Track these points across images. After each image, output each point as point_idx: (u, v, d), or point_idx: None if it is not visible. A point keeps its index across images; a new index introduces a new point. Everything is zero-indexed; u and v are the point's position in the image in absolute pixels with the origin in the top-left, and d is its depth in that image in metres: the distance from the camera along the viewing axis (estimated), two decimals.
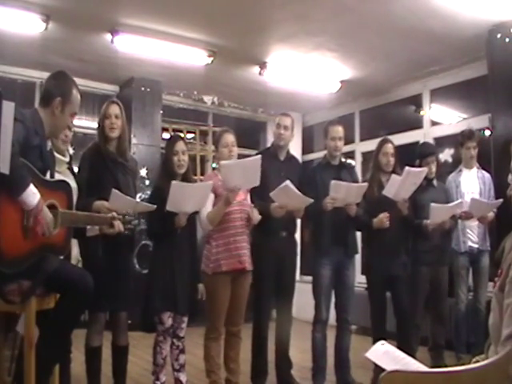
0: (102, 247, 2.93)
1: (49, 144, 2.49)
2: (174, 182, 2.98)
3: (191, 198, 3.05)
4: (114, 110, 3.07)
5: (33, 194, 2.10)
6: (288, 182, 3.23)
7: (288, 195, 3.28)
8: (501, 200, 3.69)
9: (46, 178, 2.35)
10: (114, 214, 2.76)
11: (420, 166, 3.94)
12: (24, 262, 2.15)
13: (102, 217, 2.74)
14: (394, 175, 3.57)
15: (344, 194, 3.41)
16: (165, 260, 3.18)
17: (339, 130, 3.67)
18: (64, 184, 2.48)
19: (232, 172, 3.08)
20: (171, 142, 3.35)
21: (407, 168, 3.48)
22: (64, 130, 2.67)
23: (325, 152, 3.85)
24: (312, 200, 3.35)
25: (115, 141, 3.09)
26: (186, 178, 3.27)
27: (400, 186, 3.48)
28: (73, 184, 2.75)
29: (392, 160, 3.73)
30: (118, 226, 2.79)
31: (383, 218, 3.53)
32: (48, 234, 2.22)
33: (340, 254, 3.62)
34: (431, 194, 4.01)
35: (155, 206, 2.99)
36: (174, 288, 3.12)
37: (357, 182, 3.77)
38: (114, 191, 2.83)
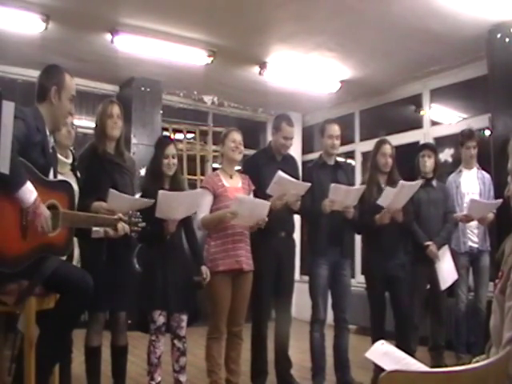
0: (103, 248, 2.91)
1: (51, 141, 2.47)
2: (160, 192, 2.97)
3: (180, 206, 3.06)
4: (116, 110, 3.08)
5: (30, 192, 2.11)
6: (280, 173, 3.25)
7: (284, 186, 3.29)
8: (500, 200, 3.68)
9: (47, 178, 2.34)
10: (121, 215, 2.71)
11: (418, 163, 4.07)
12: (23, 262, 2.14)
13: (107, 218, 2.69)
14: (388, 188, 3.57)
15: (343, 196, 3.43)
16: (157, 259, 3.17)
17: (336, 129, 3.69)
18: (66, 184, 2.48)
19: (244, 206, 3.14)
20: (161, 145, 3.30)
21: (401, 182, 3.50)
22: (66, 117, 2.59)
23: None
24: (309, 184, 3.37)
25: (114, 141, 3.09)
26: (175, 180, 3.29)
27: (394, 198, 3.50)
28: (75, 187, 2.73)
29: (390, 161, 3.73)
30: (123, 228, 2.74)
31: (386, 213, 3.53)
32: (47, 231, 2.20)
33: (336, 254, 3.63)
34: (429, 194, 4.02)
35: (153, 201, 2.97)
36: (165, 286, 3.10)
37: (352, 182, 3.78)
38: (111, 191, 2.81)
